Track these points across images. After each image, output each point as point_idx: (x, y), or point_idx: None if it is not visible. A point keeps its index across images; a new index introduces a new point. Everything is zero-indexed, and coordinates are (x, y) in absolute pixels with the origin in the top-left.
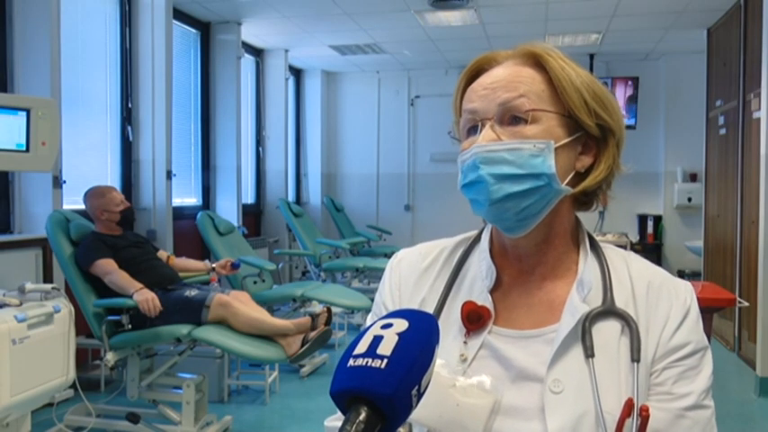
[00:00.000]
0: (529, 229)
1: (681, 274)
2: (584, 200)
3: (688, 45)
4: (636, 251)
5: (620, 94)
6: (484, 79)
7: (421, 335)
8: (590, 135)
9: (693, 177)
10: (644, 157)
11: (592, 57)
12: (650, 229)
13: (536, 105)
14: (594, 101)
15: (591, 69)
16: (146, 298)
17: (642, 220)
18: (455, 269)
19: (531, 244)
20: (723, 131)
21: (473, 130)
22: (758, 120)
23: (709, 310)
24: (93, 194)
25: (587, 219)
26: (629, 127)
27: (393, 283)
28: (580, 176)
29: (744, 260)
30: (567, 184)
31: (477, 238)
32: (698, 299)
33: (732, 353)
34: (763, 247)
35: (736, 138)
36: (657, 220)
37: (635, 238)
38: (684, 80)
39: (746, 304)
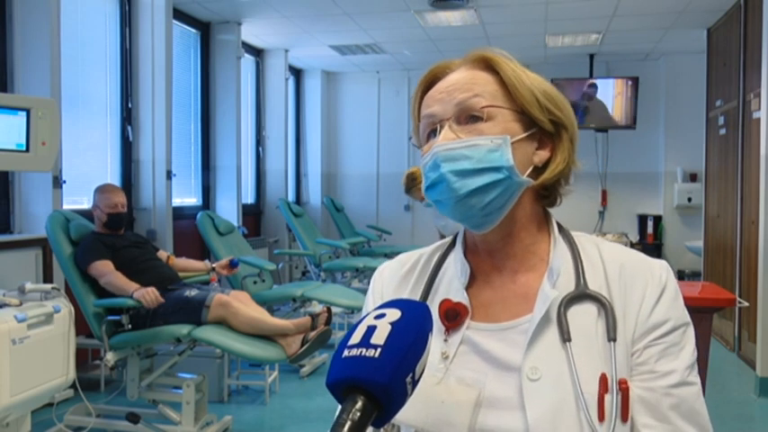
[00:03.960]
0: (495, 223)
1: (681, 274)
2: (546, 194)
3: (688, 45)
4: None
5: (620, 93)
6: (440, 85)
7: (413, 323)
8: (544, 131)
9: (693, 177)
10: (644, 157)
11: (592, 57)
12: (650, 229)
13: (490, 103)
14: (546, 98)
15: (591, 69)
16: (144, 292)
17: (642, 220)
18: (433, 272)
19: (498, 238)
20: (723, 131)
21: (433, 133)
22: (758, 120)
23: (709, 310)
24: (98, 189)
25: (588, 219)
26: (628, 127)
27: (376, 292)
28: (539, 171)
29: (744, 260)
30: (527, 177)
31: (453, 243)
32: (698, 299)
33: (732, 353)
34: (763, 247)
35: (736, 138)
36: (657, 220)
37: (635, 238)
38: (684, 80)
39: (746, 304)
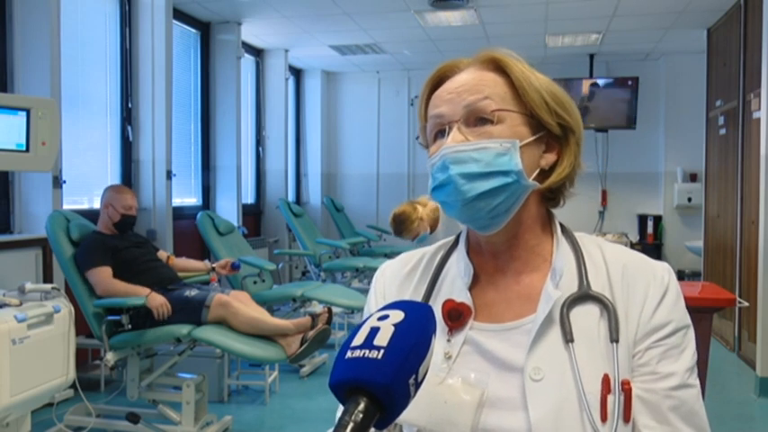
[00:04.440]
0: (501, 225)
1: (681, 274)
2: (551, 196)
3: (688, 45)
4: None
5: (621, 94)
6: (448, 85)
7: (417, 325)
8: (552, 134)
9: (693, 177)
10: (644, 157)
11: (592, 57)
12: (650, 230)
13: (500, 106)
14: (554, 101)
15: (591, 69)
16: (159, 303)
17: (642, 220)
18: (435, 271)
19: (503, 240)
20: (723, 131)
21: (440, 134)
22: (758, 120)
23: (709, 310)
24: (112, 187)
25: (588, 219)
26: (628, 127)
27: (378, 292)
28: (545, 173)
29: (744, 260)
30: (534, 181)
31: (456, 242)
32: (698, 299)
33: (732, 353)
34: (763, 247)
35: (736, 138)
36: (657, 220)
37: (635, 238)
38: (684, 80)
39: (746, 304)
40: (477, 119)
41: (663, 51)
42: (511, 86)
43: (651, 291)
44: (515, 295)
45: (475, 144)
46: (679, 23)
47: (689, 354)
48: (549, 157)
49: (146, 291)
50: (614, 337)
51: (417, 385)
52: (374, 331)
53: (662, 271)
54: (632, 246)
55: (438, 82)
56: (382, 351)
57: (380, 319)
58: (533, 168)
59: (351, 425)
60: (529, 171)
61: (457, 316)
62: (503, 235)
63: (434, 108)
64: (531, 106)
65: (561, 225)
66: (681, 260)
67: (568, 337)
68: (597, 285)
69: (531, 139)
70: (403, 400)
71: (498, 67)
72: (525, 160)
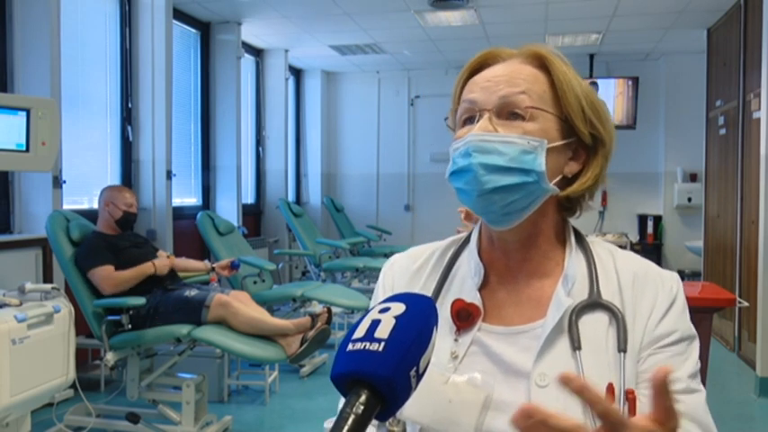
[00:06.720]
0: (514, 223)
1: (681, 274)
2: (568, 205)
3: (688, 45)
4: (636, 251)
5: (621, 93)
6: (486, 73)
7: (418, 317)
8: (581, 143)
9: (693, 177)
10: (644, 157)
11: (592, 57)
12: (650, 230)
13: (536, 104)
14: (591, 110)
15: (591, 69)
16: (165, 264)
17: (642, 220)
18: (445, 269)
19: (516, 239)
20: (723, 131)
21: (470, 120)
22: (758, 120)
23: (709, 310)
24: (111, 187)
25: (588, 219)
26: (628, 127)
27: (386, 286)
28: (567, 181)
29: (744, 260)
30: (554, 186)
31: (468, 240)
32: (698, 299)
33: (732, 353)
34: (763, 247)
35: (736, 138)
36: (657, 220)
37: (635, 238)
38: (684, 80)
39: (746, 304)
40: (509, 112)
41: (663, 51)
42: (551, 86)
43: (659, 300)
44: (525, 298)
45: (502, 136)
46: (679, 23)
47: (692, 362)
48: (574, 166)
49: (149, 266)
50: (622, 347)
51: (419, 377)
52: (375, 324)
53: (671, 281)
54: (632, 246)
55: (478, 68)
56: (383, 343)
57: (382, 311)
58: (556, 173)
59: (352, 416)
60: (551, 175)
61: (466, 316)
62: (516, 234)
63: (469, 93)
64: (567, 110)
65: (575, 231)
66: (681, 260)
67: (576, 345)
68: (607, 293)
69: (560, 143)
70: (404, 392)
71: (542, 63)
72: (549, 163)
